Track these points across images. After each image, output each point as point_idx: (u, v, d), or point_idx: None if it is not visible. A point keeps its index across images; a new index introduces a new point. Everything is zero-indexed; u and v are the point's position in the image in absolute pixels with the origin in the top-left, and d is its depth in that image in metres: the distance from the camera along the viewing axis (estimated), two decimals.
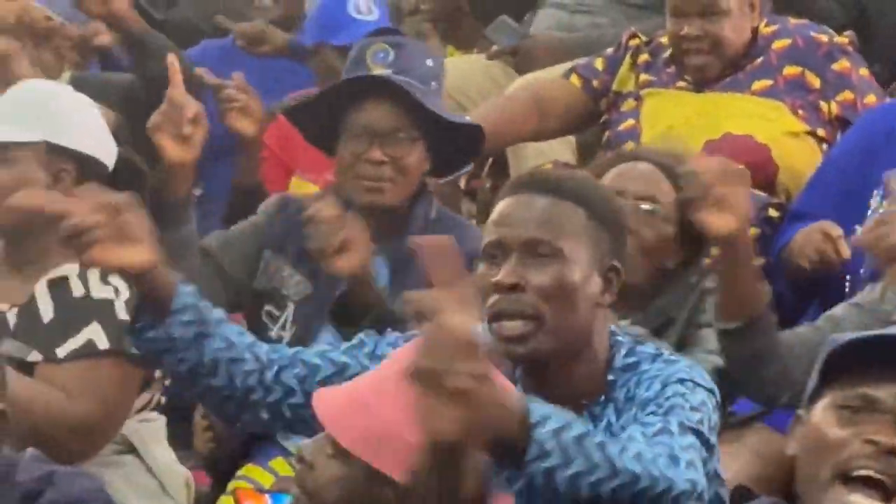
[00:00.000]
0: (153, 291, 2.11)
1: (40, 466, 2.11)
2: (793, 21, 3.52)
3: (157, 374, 2.76)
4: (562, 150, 3.71)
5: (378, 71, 3.09)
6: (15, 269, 2.73)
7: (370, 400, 1.84)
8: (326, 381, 2.18)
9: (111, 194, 2.46)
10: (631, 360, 2.11)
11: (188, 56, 4.50)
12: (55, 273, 2.63)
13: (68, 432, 2.64)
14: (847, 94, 3.35)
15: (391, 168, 3.01)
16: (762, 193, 3.19)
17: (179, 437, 3.01)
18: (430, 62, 3.20)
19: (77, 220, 2.04)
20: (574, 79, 3.53)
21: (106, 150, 2.84)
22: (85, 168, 2.78)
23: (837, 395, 1.80)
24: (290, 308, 3.11)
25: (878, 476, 1.74)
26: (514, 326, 2.03)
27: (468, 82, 4.03)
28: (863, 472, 1.74)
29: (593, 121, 3.58)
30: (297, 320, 3.09)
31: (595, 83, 3.51)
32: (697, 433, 2.06)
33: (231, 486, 3.07)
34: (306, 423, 2.10)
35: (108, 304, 2.62)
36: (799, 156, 3.29)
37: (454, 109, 3.66)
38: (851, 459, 1.76)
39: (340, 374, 2.19)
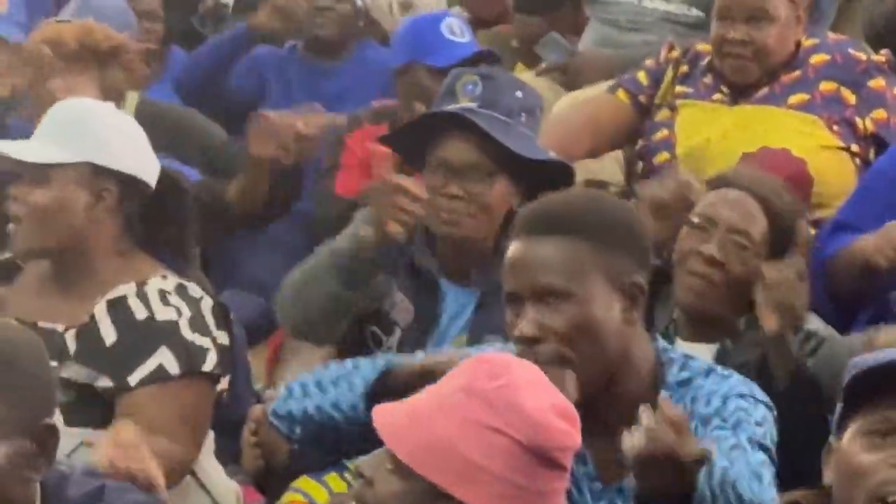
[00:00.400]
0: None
1: (90, 481, 2.14)
2: (832, 37, 3.53)
3: None
4: (611, 168, 3.72)
5: (466, 102, 3.08)
6: (64, 289, 2.73)
7: (430, 415, 1.84)
8: None
9: None
10: (684, 375, 2.13)
11: (211, 40, 4.67)
12: (113, 294, 2.64)
13: (172, 473, 2.65)
14: (881, 112, 3.34)
15: (468, 203, 2.99)
16: None
17: (228, 453, 3.00)
18: (519, 94, 3.15)
19: None
20: (621, 94, 3.53)
21: (148, 169, 2.82)
22: (127, 187, 2.77)
23: (864, 421, 1.79)
24: (398, 334, 3.08)
25: None
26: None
27: None
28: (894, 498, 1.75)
29: (640, 135, 3.58)
30: (402, 347, 3.01)
31: (642, 98, 3.53)
32: (765, 449, 2.12)
33: (285, 498, 2.91)
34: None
35: (174, 326, 2.63)
36: (833, 170, 3.28)
37: None
38: (883, 485, 1.75)
39: None
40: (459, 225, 2.95)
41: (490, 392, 1.82)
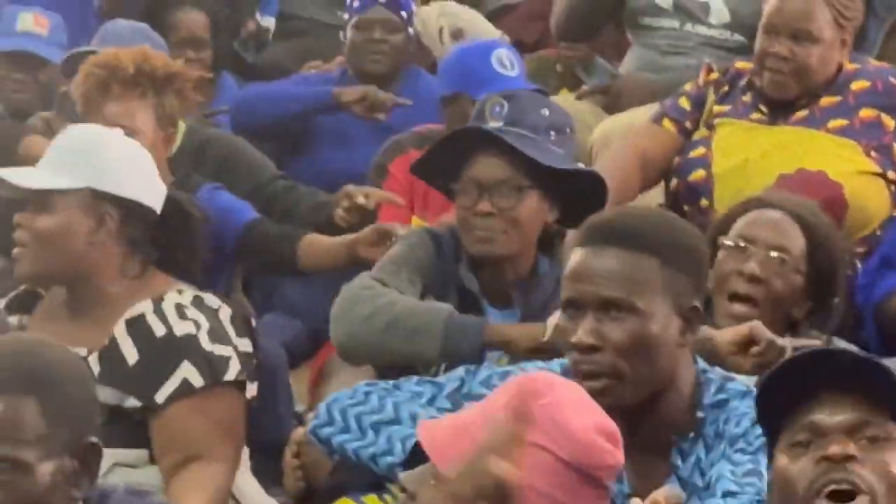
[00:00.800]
0: None
1: (133, 500, 2.15)
2: (874, 63, 3.53)
3: None
4: (653, 192, 3.72)
5: (493, 124, 3.11)
6: (82, 314, 2.75)
7: (474, 431, 1.85)
8: None
9: None
10: (721, 397, 2.14)
11: (289, 88, 4.54)
12: (131, 313, 2.66)
13: (218, 493, 2.72)
14: None
15: (501, 219, 3.00)
16: None
17: (270, 475, 3.02)
18: (545, 111, 3.17)
19: None
20: (667, 124, 3.53)
21: (152, 194, 2.84)
22: (129, 212, 2.78)
23: (786, 436, 1.81)
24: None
25: (842, 486, 1.76)
26: (594, 385, 2.04)
27: None
28: (827, 490, 1.75)
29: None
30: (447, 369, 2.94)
31: (687, 124, 3.52)
32: None
33: None
34: None
35: (193, 339, 2.64)
36: (869, 196, 3.28)
37: None
38: (813, 483, 1.77)
39: None
40: (493, 242, 2.96)
41: (535, 410, 1.83)
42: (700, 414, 2.13)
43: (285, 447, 2.96)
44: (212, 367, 2.61)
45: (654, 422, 2.10)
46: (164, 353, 2.63)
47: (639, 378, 2.06)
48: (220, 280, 3.57)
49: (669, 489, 1.89)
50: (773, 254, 2.70)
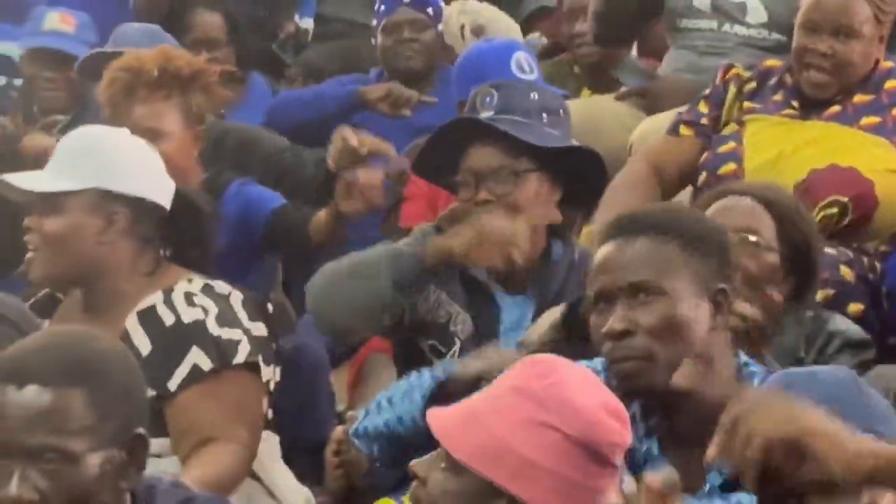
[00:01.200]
0: None
1: (178, 492, 2.20)
2: None
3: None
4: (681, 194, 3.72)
5: (485, 114, 3.15)
6: (98, 313, 2.76)
7: (483, 415, 1.90)
8: None
9: None
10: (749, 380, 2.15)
11: (323, 89, 4.57)
12: (142, 305, 2.69)
13: (239, 471, 2.74)
14: None
15: (501, 206, 3.03)
16: (832, 251, 3.17)
17: (311, 474, 3.05)
18: (534, 95, 3.20)
19: None
20: (684, 130, 3.53)
21: (161, 191, 2.86)
22: (138, 210, 2.80)
23: None
24: (458, 345, 3.10)
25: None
26: (625, 367, 2.09)
27: (596, 124, 4.06)
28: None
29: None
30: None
31: (704, 121, 3.52)
32: None
33: None
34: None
35: (201, 325, 2.66)
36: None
37: None
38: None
39: None
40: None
41: (540, 390, 1.88)
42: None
43: (326, 447, 2.97)
44: (220, 350, 2.63)
45: (692, 412, 2.10)
46: (174, 341, 2.65)
47: (671, 360, 2.08)
48: (256, 277, 3.58)
49: (667, 472, 1.83)
50: (742, 235, 2.67)
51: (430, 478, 1.95)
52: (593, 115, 4.09)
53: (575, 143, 3.27)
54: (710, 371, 2.11)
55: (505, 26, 4.66)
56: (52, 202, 2.78)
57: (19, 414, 1.98)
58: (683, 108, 3.65)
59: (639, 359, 2.11)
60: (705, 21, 4.16)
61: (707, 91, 3.57)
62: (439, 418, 1.96)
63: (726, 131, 3.44)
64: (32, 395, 1.99)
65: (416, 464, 2.00)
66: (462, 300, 3.10)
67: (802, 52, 3.34)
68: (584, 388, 1.93)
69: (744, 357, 2.18)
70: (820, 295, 3.04)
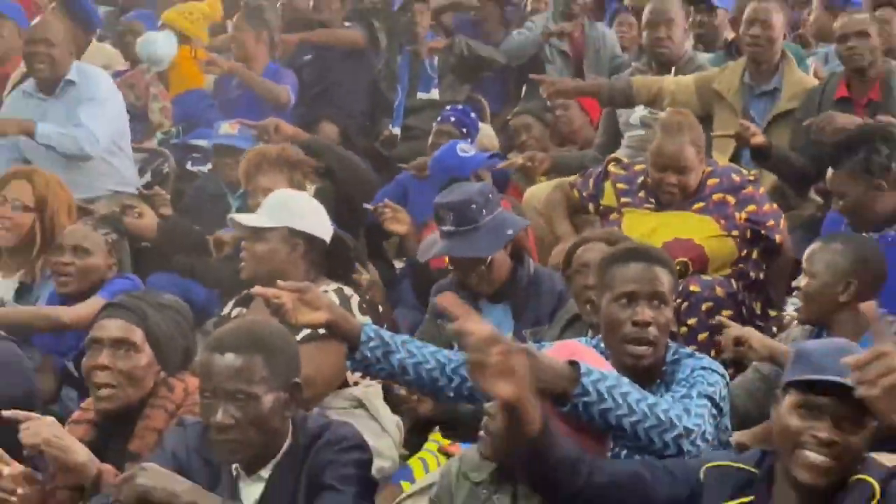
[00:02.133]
0: (343, 335, 2.59)
1: (320, 419, 2.59)
2: (721, 163, 4.22)
3: None
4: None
5: (446, 228, 3.64)
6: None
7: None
8: None
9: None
10: (675, 356, 2.62)
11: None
12: None
13: (328, 383, 3.18)
14: (752, 207, 3.99)
15: (485, 279, 3.59)
16: (708, 277, 3.79)
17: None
18: (473, 206, 3.62)
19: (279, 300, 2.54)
20: (568, 187, 4.31)
21: (325, 231, 3.40)
22: (310, 242, 3.34)
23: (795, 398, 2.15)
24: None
25: (820, 461, 2.13)
26: (643, 350, 2.56)
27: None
28: (809, 456, 2.13)
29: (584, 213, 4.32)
30: None
31: (585, 193, 4.24)
32: (710, 398, 2.49)
33: (431, 436, 3.60)
34: (476, 397, 2.56)
35: None
36: (720, 250, 3.93)
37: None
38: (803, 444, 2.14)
39: None
40: (483, 283, 3.58)
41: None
42: (664, 368, 2.59)
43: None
44: None
45: (651, 375, 2.55)
46: None
47: (661, 346, 2.57)
48: None
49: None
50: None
51: (492, 413, 2.40)
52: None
53: (510, 233, 3.64)
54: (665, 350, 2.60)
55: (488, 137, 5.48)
56: (259, 233, 3.33)
57: (221, 371, 2.35)
58: (572, 182, 4.29)
59: (650, 345, 2.56)
60: (636, 131, 5.17)
61: (594, 171, 4.26)
62: None
63: (612, 218, 4.07)
64: (230, 359, 2.36)
65: (488, 406, 2.43)
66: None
67: (658, 182, 3.95)
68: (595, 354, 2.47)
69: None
70: (704, 306, 3.72)
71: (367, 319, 2.94)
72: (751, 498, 2.25)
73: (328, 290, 3.13)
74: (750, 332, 3.32)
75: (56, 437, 2.56)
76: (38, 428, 2.55)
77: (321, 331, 2.72)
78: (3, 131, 4.99)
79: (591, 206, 4.25)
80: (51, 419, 2.61)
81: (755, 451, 2.32)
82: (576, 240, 3.55)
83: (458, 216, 3.60)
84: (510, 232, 3.64)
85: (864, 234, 3.65)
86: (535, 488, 2.29)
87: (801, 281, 3.40)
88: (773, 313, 4.07)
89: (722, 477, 2.26)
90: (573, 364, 2.29)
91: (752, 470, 2.26)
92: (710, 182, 4.01)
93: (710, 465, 2.27)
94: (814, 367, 2.16)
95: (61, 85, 5.12)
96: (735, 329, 3.32)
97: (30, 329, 3.85)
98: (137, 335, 2.81)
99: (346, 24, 6.42)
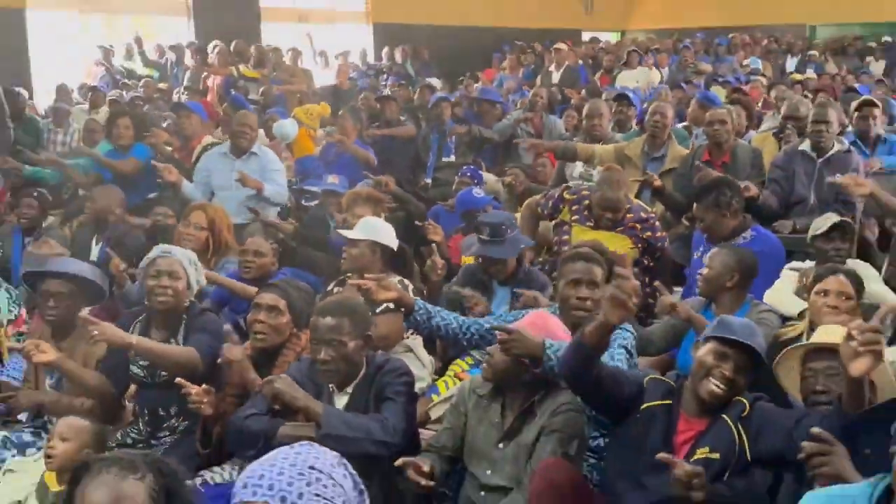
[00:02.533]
0: (403, 307, 3.44)
1: (383, 357, 3.32)
2: (635, 202, 5.50)
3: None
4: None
5: (482, 236, 4.63)
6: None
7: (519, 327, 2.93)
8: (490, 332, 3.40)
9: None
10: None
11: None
12: None
13: (392, 342, 3.97)
14: (649, 233, 5.30)
15: (501, 267, 4.58)
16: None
17: None
18: (503, 225, 4.55)
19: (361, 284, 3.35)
20: (534, 205, 5.65)
21: (393, 241, 4.39)
22: (385, 249, 4.31)
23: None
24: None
25: (720, 389, 2.64)
26: (583, 314, 3.23)
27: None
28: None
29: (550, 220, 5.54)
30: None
31: (545, 211, 5.49)
32: (625, 348, 3.24)
33: (450, 367, 4.45)
34: (480, 346, 3.48)
35: None
36: (630, 255, 5.20)
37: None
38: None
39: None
40: (504, 269, 4.59)
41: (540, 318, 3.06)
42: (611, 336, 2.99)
43: None
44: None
45: (605, 342, 2.92)
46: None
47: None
48: None
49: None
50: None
51: (494, 353, 3.00)
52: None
53: (525, 240, 4.71)
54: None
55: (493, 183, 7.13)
56: (354, 243, 4.25)
57: (323, 327, 3.06)
58: (541, 202, 5.44)
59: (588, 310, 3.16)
60: (576, 181, 6.74)
61: (554, 192, 5.46)
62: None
63: (564, 229, 5.24)
64: (329, 320, 3.06)
65: (491, 348, 3.03)
66: (479, 289, 4.48)
67: (599, 216, 5.02)
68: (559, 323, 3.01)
69: None
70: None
71: (416, 297, 3.73)
72: (669, 401, 2.84)
73: (395, 280, 3.95)
74: (678, 301, 4.18)
75: (241, 361, 3.50)
76: (234, 352, 3.53)
77: (391, 306, 3.57)
78: (247, 184, 6.65)
79: (549, 220, 5.59)
80: (240, 349, 3.62)
81: (673, 373, 3.01)
82: (569, 252, 4.08)
83: (492, 230, 4.69)
84: (521, 246, 4.80)
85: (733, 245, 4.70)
86: (569, 376, 2.83)
87: (704, 270, 4.29)
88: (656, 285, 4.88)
89: (655, 385, 2.87)
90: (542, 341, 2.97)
91: (672, 384, 2.86)
92: (628, 216, 5.45)
93: (649, 378, 2.92)
94: (730, 330, 2.73)
95: (248, 153, 6.94)
96: (668, 297, 4.18)
97: (234, 294, 5.18)
98: (282, 304, 3.73)
99: (401, 117, 9.07)
